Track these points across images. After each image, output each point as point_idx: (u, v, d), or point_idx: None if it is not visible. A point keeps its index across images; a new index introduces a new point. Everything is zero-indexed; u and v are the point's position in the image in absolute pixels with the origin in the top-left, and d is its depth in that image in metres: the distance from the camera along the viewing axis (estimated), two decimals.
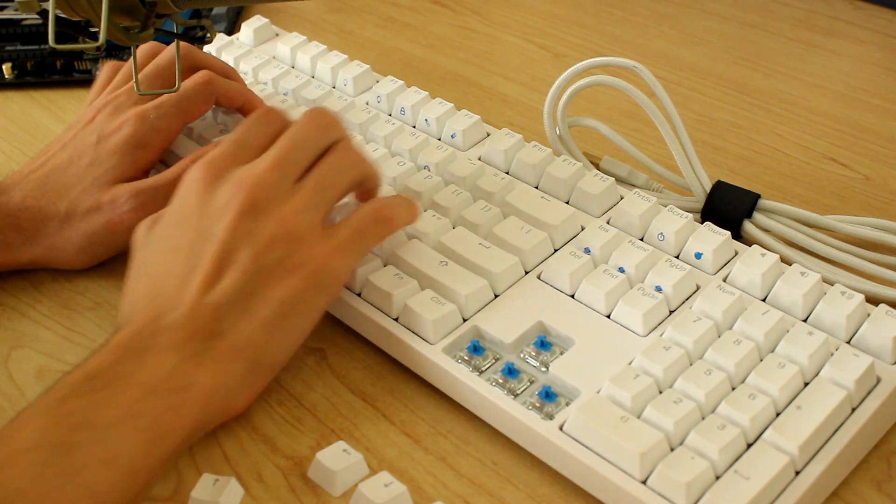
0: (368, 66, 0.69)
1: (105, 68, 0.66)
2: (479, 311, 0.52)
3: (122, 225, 0.58)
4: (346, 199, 0.54)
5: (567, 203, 0.57)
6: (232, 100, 0.63)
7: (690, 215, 0.54)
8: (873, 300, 0.52)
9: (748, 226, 0.58)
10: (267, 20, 0.76)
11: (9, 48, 0.78)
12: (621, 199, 0.57)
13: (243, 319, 0.47)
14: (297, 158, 0.51)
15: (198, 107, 0.61)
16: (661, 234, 0.54)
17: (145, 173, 0.60)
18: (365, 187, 0.54)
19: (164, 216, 0.51)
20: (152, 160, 0.61)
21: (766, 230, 0.58)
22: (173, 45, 0.62)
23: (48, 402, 0.43)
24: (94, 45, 0.52)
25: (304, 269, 0.48)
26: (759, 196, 0.58)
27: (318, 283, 0.48)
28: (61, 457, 0.40)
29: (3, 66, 0.77)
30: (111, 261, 0.60)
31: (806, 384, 0.46)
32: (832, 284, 0.50)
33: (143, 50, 0.65)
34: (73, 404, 0.42)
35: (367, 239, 0.51)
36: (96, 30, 0.53)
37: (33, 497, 0.39)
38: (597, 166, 0.63)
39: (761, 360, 0.47)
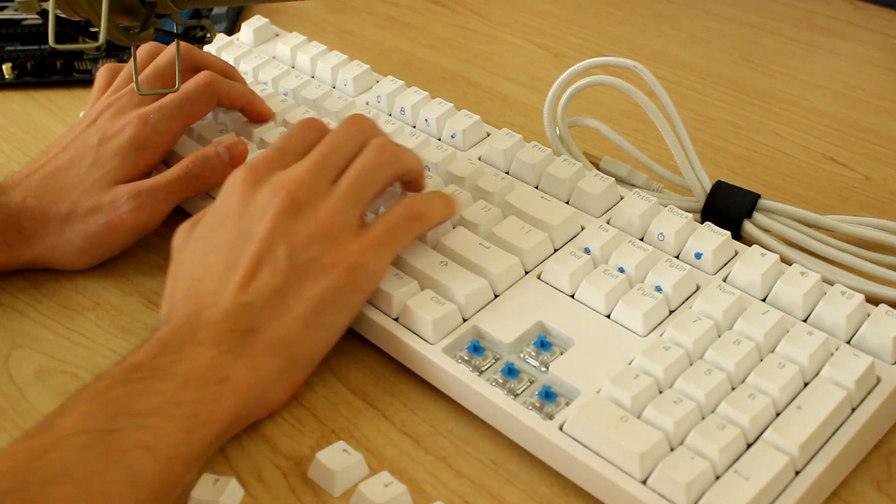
0: (368, 66, 0.69)
1: (102, 70, 0.66)
2: (479, 311, 0.52)
3: (123, 225, 0.58)
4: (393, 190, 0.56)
5: (567, 203, 0.57)
6: (233, 100, 0.63)
7: (690, 215, 0.54)
8: (873, 300, 0.52)
9: (748, 226, 0.58)
10: (267, 20, 0.76)
11: (9, 48, 0.78)
12: (621, 199, 0.57)
13: (280, 316, 0.48)
14: (335, 161, 0.52)
15: (199, 108, 0.61)
16: (661, 234, 0.54)
17: (146, 174, 0.60)
18: (407, 179, 0.55)
19: (203, 218, 0.53)
20: (154, 161, 0.61)
21: (766, 230, 0.58)
22: (173, 45, 0.62)
23: (91, 392, 0.44)
24: (94, 45, 0.52)
25: (340, 267, 0.49)
26: (759, 196, 0.58)
27: (353, 280, 0.50)
28: (104, 441, 0.41)
29: (3, 66, 0.77)
30: (111, 261, 0.60)
31: (806, 384, 0.46)
32: (832, 284, 0.50)
33: (143, 50, 0.65)
34: (114, 393, 0.44)
35: (400, 236, 0.52)
36: (96, 30, 0.53)
37: (77, 478, 0.40)
38: (597, 166, 0.63)
39: (761, 360, 0.47)
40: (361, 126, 0.54)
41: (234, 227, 0.51)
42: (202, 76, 0.61)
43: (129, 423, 0.43)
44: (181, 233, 0.53)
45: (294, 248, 0.49)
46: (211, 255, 0.50)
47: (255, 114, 0.65)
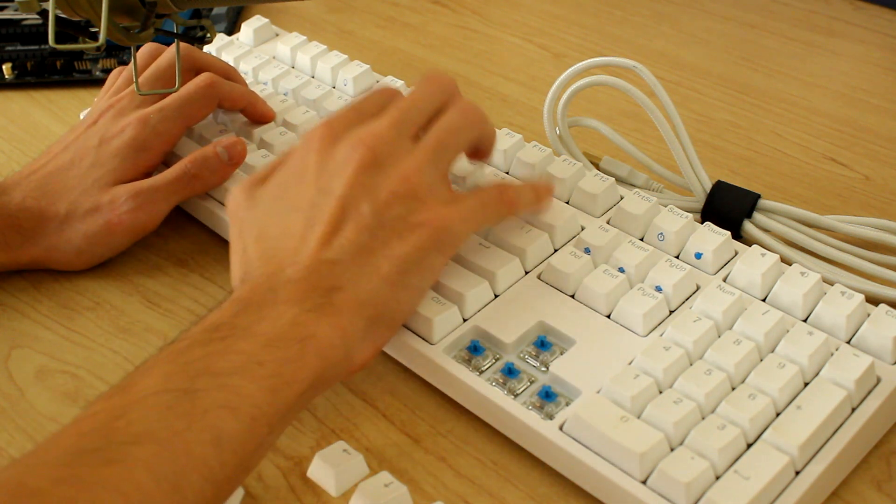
0: (368, 66, 0.69)
1: (115, 71, 0.66)
2: (479, 311, 0.51)
3: (122, 226, 0.58)
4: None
5: (567, 203, 0.57)
6: (234, 102, 0.63)
7: (690, 215, 0.54)
8: (873, 300, 0.52)
9: (748, 226, 0.58)
10: (267, 20, 0.76)
11: (9, 48, 0.78)
12: (621, 199, 0.57)
13: (364, 274, 0.46)
14: (414, 117, 0.51)
15: (200, 110, 0.61)
16: (661, 234, 0.54)
17: (146, 175, 0.60)
18: (480, 147, 0.54)
19: (274, 177, 0.51)
20: (154, 163, 0.61)
21: (766, 230, 0.58)
22: (174, 46, 0.62)
23: (170, 353, 0.43)
24: (94, 45, 0.52)
25: (428, 228, 0.48)
26: (759, 196, 0.58)
27: (439, 241, 0.48)
28: (185, 401, 0.40)
29: (3, 66, 0.77)
30: (111, 261, 0.60)
31: (806, 384, 0.46)
32: (832, 284, 0.50)
33: (144, 51, 0.65)
34: (194, 353, 0.42)
35: (489, 214, 0.51)
36: (96, 30, 0.53)
37: (161, 437, 0.39)
38: (597, 166, 0.63)
39: (761, 360, 0.47)
40: (442, 84, 0.52)
41: (312, 184, 0.49)
42: (203, 78, 0.61)
43: (210, 382, 0.41)
44: (240, 193, 0.51)
45: (378, 204, 0.47)
46: (289, 213, 0.49)
47: (257, 115, 0.64)
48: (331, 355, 0.45)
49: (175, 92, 0.61)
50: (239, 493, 0.46)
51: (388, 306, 0.47)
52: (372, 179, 0.48)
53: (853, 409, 0.46)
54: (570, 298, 0.52)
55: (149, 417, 0.40)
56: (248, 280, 0.47)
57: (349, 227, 0.47)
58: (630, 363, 0.48)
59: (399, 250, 0.47)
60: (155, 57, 0.64)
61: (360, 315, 0.46)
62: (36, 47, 0.78)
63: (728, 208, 0.58)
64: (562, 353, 0.49)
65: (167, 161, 0.62)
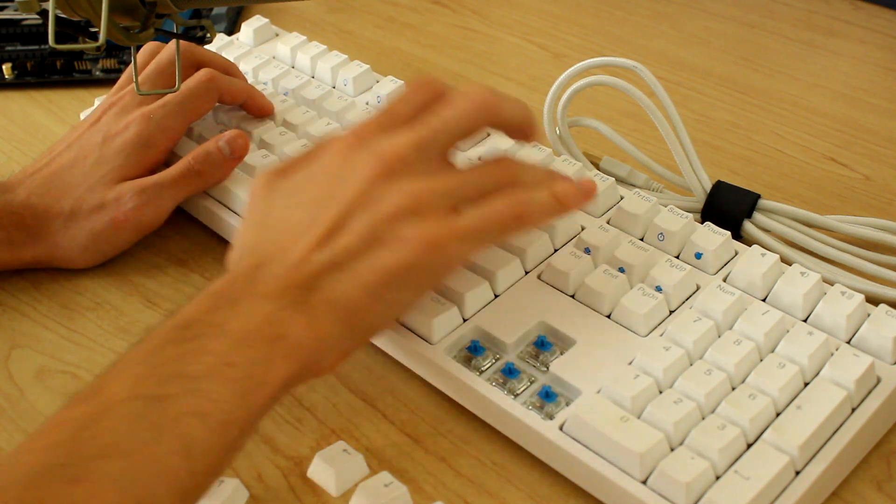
0: (368, 66, 0.69)
1: (144, 48, 0.66)
2: (479, 311, 0.52)
3: (127, 223, 0.58)
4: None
5: None
6: (235, 96, 0.63)
7: (690, 215, 0.54)
8: (873, 300, 0.52)
9: (748, 226, 0.58)
10: (267, 20, 0.76)
11: (9, 48, 0.78)
12: (621, 199, 0.57)
13: (346, 280, 0.46)
14: (442, 140, 0.49)
15: (201, 105, 0.61)
16: (661, 234, 0.54)
17: (150, 173, 0.60)
18: (517, 132, 0.51)
19: (295, 173, 0.50)
20: (158, 160, 0.61)
21: (766, 230, 0.58)
22: (173, 42, 0.62)
23: (140, 353, 0.42)
24: (94, 45, 0.52)
25: (418, 244, 0.46)
26: (759, 196, 0.58)
27: (428, 260, 0.46)
28: (155, 408, 0.40)
29: (3, 66, 0.77)
30: (112, 261, 0.60)
31: (806, 384, 0.46)
32: (832, 284, 0.50)
33: (145, 51, 0.65)
34: (165, 354, 0.42)
35: (494, 231, 0.48)
36: (96, 30, 0.53)
37: (128, 450, 0.38)
38: (597, 166, 0.63)
39: (761, 360, 0.47)
40: (484, 105, 0.49)
41: (323, 186, 0.48)
42: (203, 73, 0.61)
43: (181, 387, 0.40)
44: (264, 179, 0.50)
45: (378, 217, 0.46)
46: (294, 209, 0.48)
47: (257, 109, 0.65)
48: (302, 357, 0.44)
49: (175, 91, 0.61)
50: (244, 495, 0.46)
51: (364, 316, 0.46)
52: (380, 192, 0.47)
53: (853, 409, 0.46)
54: (570, 298, 0.52)
55: (117, 428, 0.39)
56: (232, 268, 0.47)
57: (344, 233, 0.46)
58: (630, 363, 0.48)
59: (385, 262, 0.46)
60: (156, 55, 0.64)
61: (335, 319, 0.45)
62: (36, 47, 0.78)
63: (728, 208, 0.58)
64: (562, 353, 0.49)
65: (168, 161, 0.62)
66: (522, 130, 0.51)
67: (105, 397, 0.40)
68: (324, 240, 0.46)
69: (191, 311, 0.44)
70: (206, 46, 0.74)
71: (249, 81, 0.70)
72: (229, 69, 0.65)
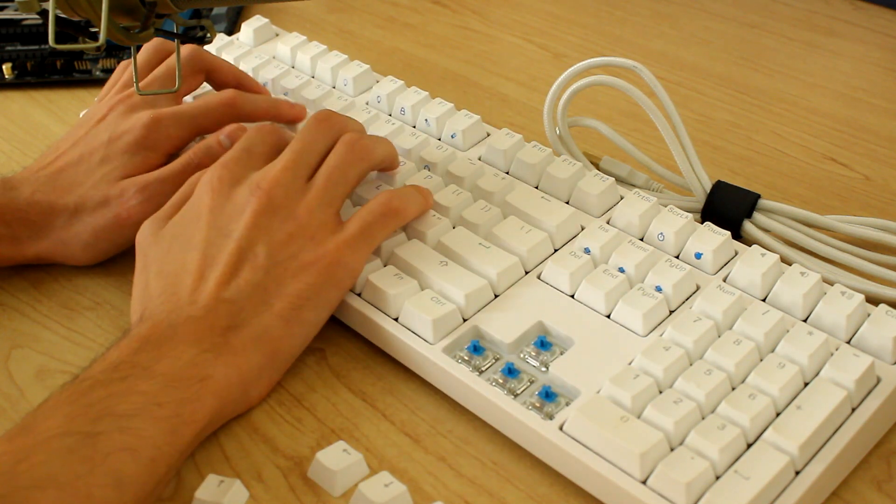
0: (368, 66, 0.69)
1: (120, 67, 0.66)
2: (479, 311, 0.52)
3: (131, 219, 0.58)
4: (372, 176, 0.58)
5: (567, 203, 0.57)
6: (259, 117, 0.63)
7: (690, 215, 0.54)
8: (873, 300, 0.52)
9: (748, 226, 0.58)
10: (267, 20, 0.76)
11: (9, 48, 0.78)
12: (621, 199, 0.57)
13: (260, 313, 0.49)
14: (307, 159, 0.54)
15: (214, 123, 0.61)
16: (661, 234, 0.54)
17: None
18: (381, 168, 0.57)
19: (175, 216, 0.53)
20: (158, 163, 0.61)
21: (766, 230, 0.58)
22: (186, 46, 0.63)
23: (72, 393, 0.44)
24: (94, 45, 0.52)
25: (318, 265, 0.51)
26: (759, 196, 0.58)
27: (331, 277, 0.51)
28: (87, 444, 0.42)
29: (3, 66, 0.77)
30: (112, 261, 0.60)
31: (806, 384, 0.46)
32: (832, 284, 0.50)
33: (148, 47, 0.65)
34: (96, 394, 0.44)
35: (376, 232, 0.53)
36: (96, 30, 0.53)
37: (63, 482, 0.40)
38: (597, 166, 0.63)
39: (761, 360, 0.47)
40: (330, 122, 0.55)
41: (210, 225, 0.51)
42: (228, 94, 0.61)
43: (111, 425, 0.43)
44: (147, 229, 0.54)
45: (273, 245, 0.50)
46: (187, 252, 0.51)
47: (288, 120, 0.64)
48: (228, 394, 0.48)
49: (174, 92, 0.61)
50: (244, 494, 0.46)
51: (284, 342, 0.50)
52: (268, 222, 0.51)
53: (853, 409, 0.46)
54: (570, 298, 0.52)
55: (51, 461, 0.41)
56: (147, 317, 0.49)
57: (246, 268, 0.50)
58: (630, 363, 0.48)
59: (292, 288, 0.50)
60: (159, 52, 0.65)
61: (255, 353, 0.49)
62: (36, 47, 0.78)
63: (728, 208, 0.58)
64: (562, 353, 0.49)
65: (168, 160, 0.62)
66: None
67: (39, 433, 0.42)
68: (228, 278, 0.49)
69: (118, 354, 0.46)
70: (206, 46, 0.74)
71: None
72: (241, 80, 0.65)
